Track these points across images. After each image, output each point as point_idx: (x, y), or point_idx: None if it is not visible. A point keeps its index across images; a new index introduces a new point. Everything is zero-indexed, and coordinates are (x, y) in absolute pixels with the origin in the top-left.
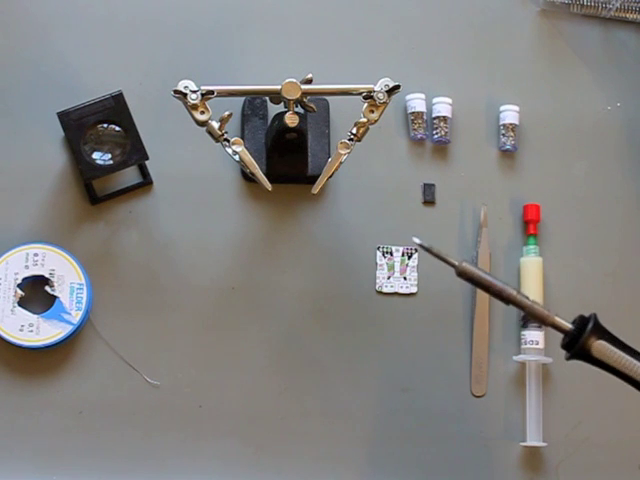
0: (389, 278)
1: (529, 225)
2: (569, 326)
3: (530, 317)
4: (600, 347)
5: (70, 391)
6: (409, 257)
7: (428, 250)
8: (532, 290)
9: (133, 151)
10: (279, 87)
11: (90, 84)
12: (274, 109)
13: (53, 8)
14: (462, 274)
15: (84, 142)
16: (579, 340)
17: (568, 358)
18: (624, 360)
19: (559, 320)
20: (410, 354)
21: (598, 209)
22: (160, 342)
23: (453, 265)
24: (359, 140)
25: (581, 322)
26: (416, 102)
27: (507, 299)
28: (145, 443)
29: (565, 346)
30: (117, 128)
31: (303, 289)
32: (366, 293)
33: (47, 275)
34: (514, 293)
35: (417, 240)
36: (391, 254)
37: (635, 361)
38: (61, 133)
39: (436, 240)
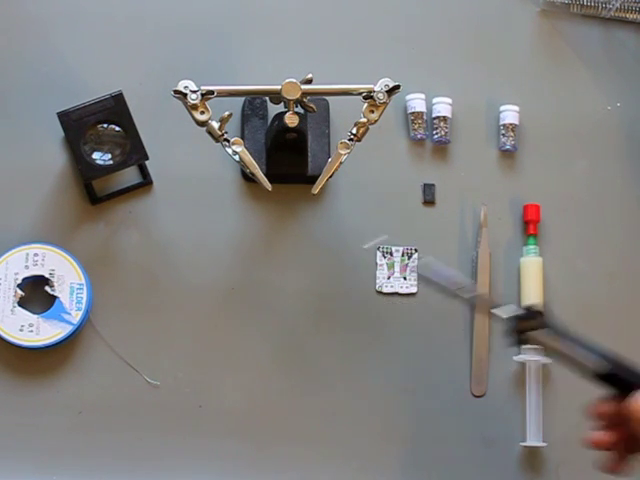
0: (389, 278)
1: (529, 225)
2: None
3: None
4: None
5: (70, 391)
6: (409, 257)
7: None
8: (532, 290)
9: (133, 151)
10: (279, 87)
11: (90, 84)
12: (274, 109)
13: (53, 8)
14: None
15: (84, 142)
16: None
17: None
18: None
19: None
20: (410, 354)
21: (598, 209)
22: (160, 342)
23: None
24: (359, 140)
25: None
26: (416, 102)
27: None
28: (145, 443)
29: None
30: (117, 128)
31: (303, 289)
32: (366, 293)
33: (47, 275)
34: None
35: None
36: (391, 254)
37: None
38: (61, 133)
39: (436, 240)
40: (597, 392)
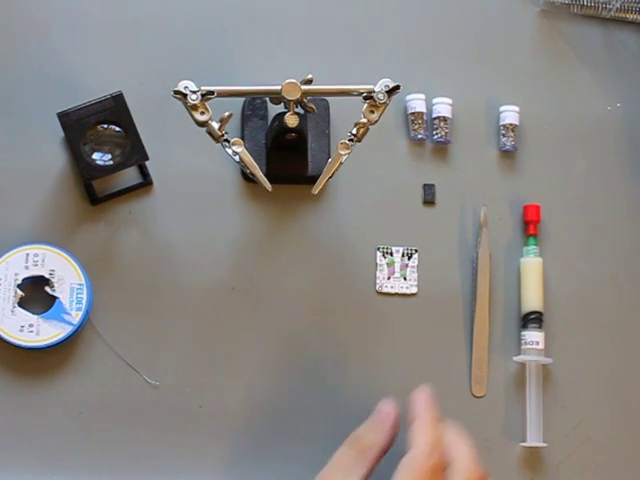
0: (389, 278)
1: (529, 225)
2: None
3: None
4: None
5: (70, 391)
6: (409, 257)
7: None
8: (532, 290)
9: (133, 151)
10: (279, 87)
11: (90, 84)
12: (274, 109)
13: (54, 8)
14: None
15: (84, 142)
16: None
17: None
18: None
19: None
20: (410, 354)
21: (598, 209)
22: (160, 342)
23: None
24: (359, 140)
25: None
26: (416, 102)
27: None
28: (145, 443)
29: None
30: (117, 128)
31: (303, 289)
32: (366, 293)
33: (47, 275)
34: None
35: None
36: (391, 254)
37: None
38: (61, 133)
39: (436, 240)
40: (596, 392)
